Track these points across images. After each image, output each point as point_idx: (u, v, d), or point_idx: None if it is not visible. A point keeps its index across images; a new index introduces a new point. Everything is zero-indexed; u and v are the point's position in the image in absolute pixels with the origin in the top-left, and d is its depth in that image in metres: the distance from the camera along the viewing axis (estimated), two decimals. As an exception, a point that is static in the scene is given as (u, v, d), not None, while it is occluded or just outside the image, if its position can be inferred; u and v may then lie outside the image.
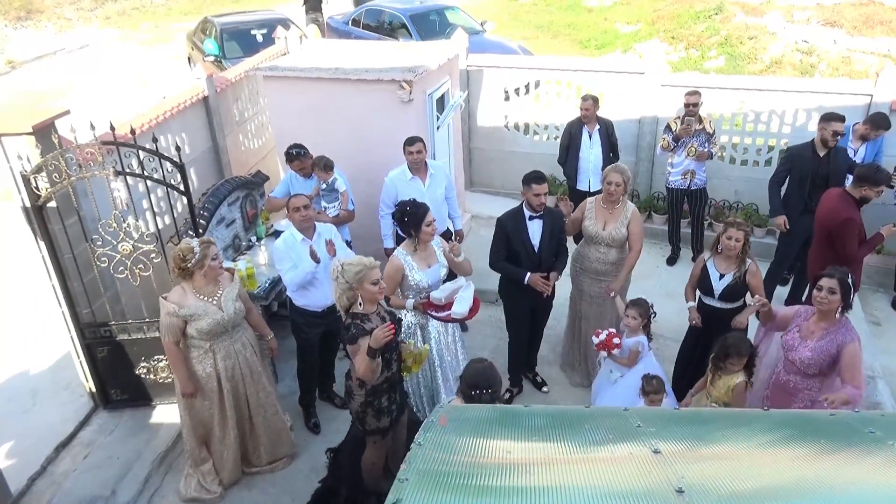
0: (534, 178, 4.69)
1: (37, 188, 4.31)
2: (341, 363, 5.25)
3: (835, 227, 4.84)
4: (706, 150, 6.59)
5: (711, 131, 6.63)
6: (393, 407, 3.93)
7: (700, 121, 6.57)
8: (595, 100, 6.67)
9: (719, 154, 7.30)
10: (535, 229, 4.80)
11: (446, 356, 4.68)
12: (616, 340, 4.56)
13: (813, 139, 5.74)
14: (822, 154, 5.64)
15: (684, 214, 7.14)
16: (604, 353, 4.68)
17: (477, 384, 3.19)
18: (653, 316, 4.76)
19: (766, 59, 13.60)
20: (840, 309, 3.81)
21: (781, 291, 6.37)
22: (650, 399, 4.30)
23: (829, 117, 5.59)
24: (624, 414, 1.76)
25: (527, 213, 4.78)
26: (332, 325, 4.78)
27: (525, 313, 5.08)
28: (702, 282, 4.70)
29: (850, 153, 6.10)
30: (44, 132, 4.31)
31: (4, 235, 7.77)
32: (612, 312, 5.06)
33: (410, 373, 4.01)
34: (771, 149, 7.28)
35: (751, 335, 4.49)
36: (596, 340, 4.61)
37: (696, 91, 6.57)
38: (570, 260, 5.17)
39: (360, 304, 3.71)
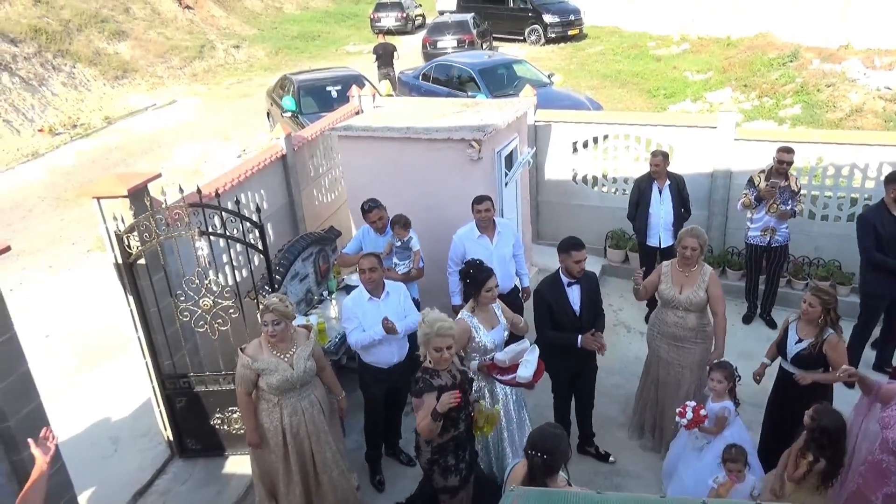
0: (573, 244, 4.63)
1: (129, 246, 4.59)
2: (408, 419, 5.26)
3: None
4: (789, 208, 6.32)
5: (797, 189, 6.37)
6: (462, 465, 3.90)
7: (786, 177, 6.31)
8: (665, 155, 6.60)
9: (799, 209, 7.06)
10: (574, 295, 4.74)
11: (514, 417, 4.63)
12: (703, 412, 4.34)
13: (883, 199, 5.52)
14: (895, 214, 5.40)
15: (763, 271, 6.89)
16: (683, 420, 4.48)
17: (535, 445, 3.21)
18: (738, 379, 4.57)
19: (846, 107, 13.14)
20: None
21: (869, 355, 6.02)
22: (728, 468, 4.12)
23: (891, 178, 5.42)
24: (702, 508, 1.70)
25: (565, 279, 4.72)
26: (398, 381, 4.83)
27: (569, 377, 5.02)
28: (781, 343, 4.54)
29: None
30: (137, 195, 4.60)
31: (94, 284, 8.27)
32: (691, 380, 4.90)
33: (482, 433, 3.97)
34: (854, 202, 6.98)
35: (847, 409, 4.20)
36: (683, 422, 4.34)
37: (790, 148, 6.26)
38: (648, 325, 5.12)
39: (429, 359, 3.75)
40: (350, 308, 4.70)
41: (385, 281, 4.81)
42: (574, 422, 5.27)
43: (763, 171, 6.41)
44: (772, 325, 6.76)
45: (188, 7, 23.58)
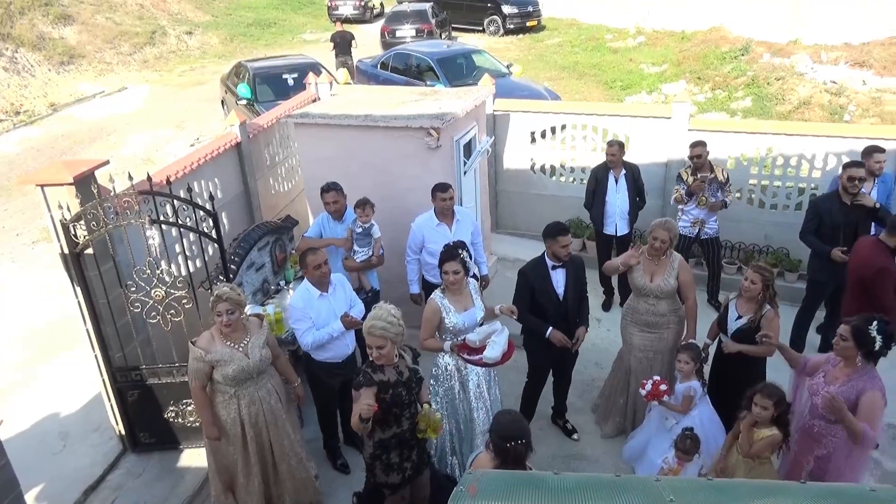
0: (559, 230, 4.70)
1: (75, 236, 4.44)
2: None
3: (869, 277, 4.77)
4: (719, 200, 6.52)
5: (724, 179, 6.55)
6: (406, 465, 3.86)
7: (711, 169, 6.52)
8: (621, 145, 6.70)
9: (743, 198, 7.26)
10: (559, 279, 4.79)
11: (487, 397, 4.64)
12: (663, 387, 4.52)
13: (837, 189, 5.69)
14: (847, 202, 5.57)
15: (698, 260, 7.15)
16: (654, 403, 4.63)
17: (512, 436, 3.15)
18: (704, 359, 4.72)
19: (794, 100, 13.54)
20: (861, 356, 3.75)
21: (814, 339, 6.23)
22: (678, 455, 4.24)
23: (847, 165, 5.59)
24: (656, 485, 1.73)
25: (549, 262, 4.78)
26: (351, 371, 4.78)
27: (548, 362, 5.07)
28: (721, 320, 4.73)
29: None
30: (84, 182, 4.45)
31: (40, 277, 7.99)
32: (662, 366, 5.01)
33: (425, 436, 3.89)
34: (801, 192, 7.20)
35: (785, 384, 4.39)
36: (643, 392, 4.58)
37: (701, 142, 6.52)
38: (621, 314, 5.23)
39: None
40: (301, 308, 4.54)
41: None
42: (551, 394, 5.37)
43: (688, 168, 6.59)
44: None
45: (138, -9, 22.83)
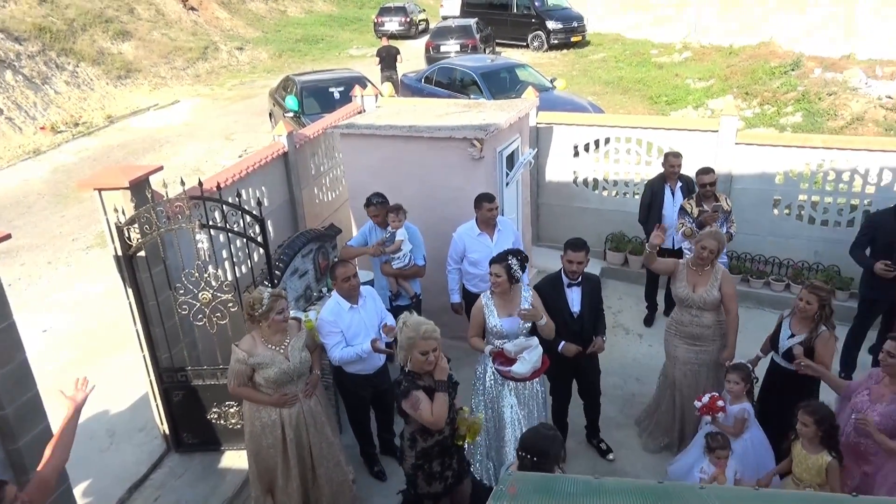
0: (570, 244, 4.66)
1: (129, 239, 4.59)
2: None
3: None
4: (727, 232, 6.00)
5: (728, 209, 6.17)
6: (447, 473, 3.84)
7: (716, 198, 6.12)
8: (681, 156, 6.54)
9: (792, 213, 7.07)
10: (573, 297, 4.74)
11: (535, 416, 4.61)
12: (720, 403, 4.40)
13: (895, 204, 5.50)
14: None
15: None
16: (707, 419, 4.52)
17: (524, 447, 3.18)
18: (755, 381, 4.61)
19: (847, 116, 13.17)
20: None
21: (867, 360, 6.01)
22: (716, 455, 4.16)
23: None
24: (700, 493, 1.69)
25: (565, 280, 4.73)
26: (383, 382, 4.80)
27: (567, 378, 5.02)
28: (774, 338, 4.61)
29: None
30: (139, 187, 4.61)
31: (93, 281, 8.28)
32: (708, 379, 4.92)
33: (464, 442, 3.88)
34: (854, 208, 6.99)
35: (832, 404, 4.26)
36: (698, 404, 4.47)
37: (708, 169, 6.11)
38: (665, 328, 5.18)
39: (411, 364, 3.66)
40: (332, 322, 4.50)
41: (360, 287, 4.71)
42: (583, 416, 5.31)
43: (691, 200, 6.20)
44: None
45: (192, 9, 23.66)
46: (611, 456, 5.28)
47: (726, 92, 15.74)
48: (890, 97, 13.68)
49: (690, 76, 17.36)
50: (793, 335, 4.43)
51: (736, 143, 7.18)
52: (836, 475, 3.72)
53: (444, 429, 3.74)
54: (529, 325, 4.51)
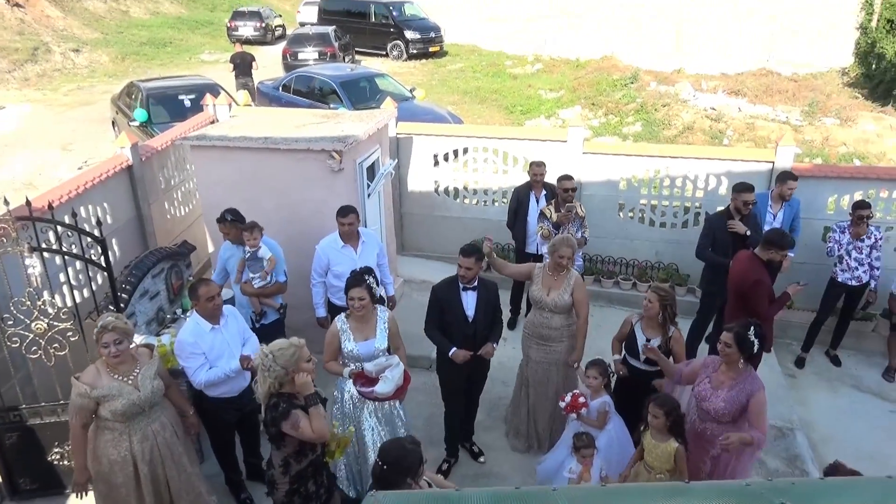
0: (462, 250, 4.79)
1: (-58, 266, 4.08)
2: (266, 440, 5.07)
3: (746, 289, 5.13)
4: (582, 237, 6.45)
5: (583, 214, 6.60)
6: (321, 491, 3.80)
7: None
8: (544, 165, 6.84)
9: (635, 217, 7.66)
10: (469, 300, 4.84)
11: (383, 430, 4.59)
12: (582, 400, 4.61)
13: (728, 207, 6.10)
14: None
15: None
16: (573, 416, 4.71)
17: (379, 454, 3.28)
18: (612, 375, 4.88)
19: (679, 125, 14.49)
20: (742, 360, 4.08)
21: (703, 348, 6.63)
22: (581, 454, 4.38)
23: (739, 188, 5.97)
24: (552, 495, 1.79)
25: (461, 284, 4.84)
26: (247, 405, 4.57)
27: (461, 384, 5.08)
28: (629, 343, 4.89)
29: (770, 217, 6.50)
30: (-48, 208, 4.11)
31: None
32: (557, 378, 5.15)
33: (333, 458, 3.85)
34: (687, 210, 7.69)
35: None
36: (562, 404, 4.65)
37: (568, 176, 6.54)
38: (523, 328, 5.33)
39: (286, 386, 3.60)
40: (192, 344, 4.26)
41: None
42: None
43: (551, 205, 6.61)
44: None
45: (17, 5, 21.48)
46: (482, 459, 5.41)
47: (575, 102, 16.78)
48: (713, 108, 15.24)
49: (542, 87, 18.31)
50: (649, 339, 4.76)
51: (583, 153, 7.66)
52: (683, 459, 4.04)
53: (315, 446, 3.68)
54: (385, 348, 4.49)
